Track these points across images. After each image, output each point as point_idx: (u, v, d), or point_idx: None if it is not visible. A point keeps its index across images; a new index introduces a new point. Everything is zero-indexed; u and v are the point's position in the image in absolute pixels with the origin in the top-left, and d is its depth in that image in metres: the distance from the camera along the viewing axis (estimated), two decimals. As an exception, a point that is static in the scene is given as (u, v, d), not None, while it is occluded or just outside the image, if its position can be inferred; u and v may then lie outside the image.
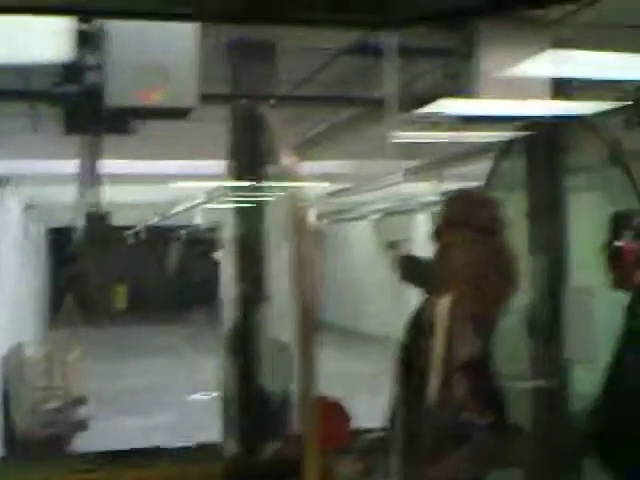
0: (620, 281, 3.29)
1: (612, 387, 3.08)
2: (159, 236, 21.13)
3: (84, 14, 2.67)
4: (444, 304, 3.13)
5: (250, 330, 3.90)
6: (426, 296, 3.29)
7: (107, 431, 8.97)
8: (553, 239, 4.17)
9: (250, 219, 3.81)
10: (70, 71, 3.33)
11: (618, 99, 3.98)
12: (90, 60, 3.15)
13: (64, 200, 10.38)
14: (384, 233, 12.95)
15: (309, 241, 2.66)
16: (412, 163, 7.61)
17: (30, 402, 9.62)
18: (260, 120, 3.58)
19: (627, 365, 3.06)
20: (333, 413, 3.89)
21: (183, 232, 20.58)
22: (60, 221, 14.66)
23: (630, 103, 4.04)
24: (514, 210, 4.44)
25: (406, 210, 12.87)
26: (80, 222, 4.12)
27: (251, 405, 3.85)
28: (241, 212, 3.87)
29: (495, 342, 3.26)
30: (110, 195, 4.09)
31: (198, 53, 3.13)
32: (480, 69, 3.39)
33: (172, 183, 8.79)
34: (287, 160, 3.19)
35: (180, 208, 12.47)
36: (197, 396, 11.96)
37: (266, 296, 4.03)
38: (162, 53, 3.08)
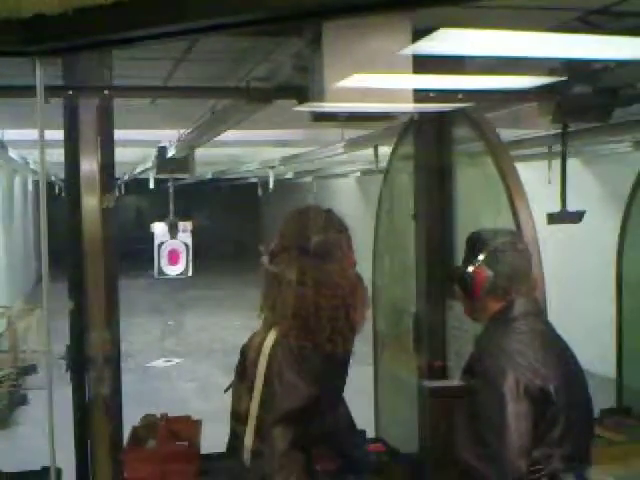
0: (471, 310, 2.89)
1: None
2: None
3: None
4: (269, 341, 2.73)
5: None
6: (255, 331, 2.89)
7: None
8: (438, 244, 3.75)
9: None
10: None
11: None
12: None
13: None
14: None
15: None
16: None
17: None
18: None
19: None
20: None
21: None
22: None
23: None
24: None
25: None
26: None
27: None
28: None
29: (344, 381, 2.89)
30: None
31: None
32: (327, 51, 2.91)
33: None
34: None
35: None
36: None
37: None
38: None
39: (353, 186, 17.45)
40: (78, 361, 3.17)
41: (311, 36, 3.00)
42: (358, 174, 15.04)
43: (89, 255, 2.69)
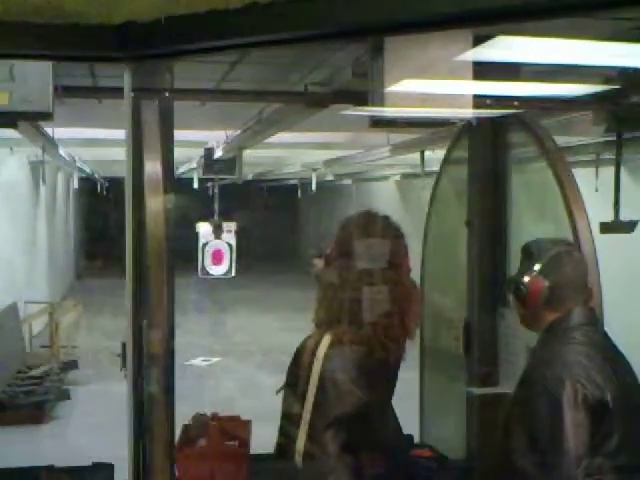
0: (526, 320, 2.89)
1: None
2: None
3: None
4: (324, 345, 2.75)
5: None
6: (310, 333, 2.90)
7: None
8: (491, 251, 3.74)
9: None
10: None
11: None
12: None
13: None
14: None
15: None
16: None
17: (17, 366, 9.51)
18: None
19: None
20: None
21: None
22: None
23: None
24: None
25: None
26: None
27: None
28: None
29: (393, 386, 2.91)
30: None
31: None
32: (388, 58, 2.92)
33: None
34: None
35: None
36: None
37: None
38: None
39: (392, 189, 17.43)
40: (135, 359, 3.20)
41: (370, 42, 3.01)
42: (398, 177, 15.02)
43: (152, 254, 2.72)
